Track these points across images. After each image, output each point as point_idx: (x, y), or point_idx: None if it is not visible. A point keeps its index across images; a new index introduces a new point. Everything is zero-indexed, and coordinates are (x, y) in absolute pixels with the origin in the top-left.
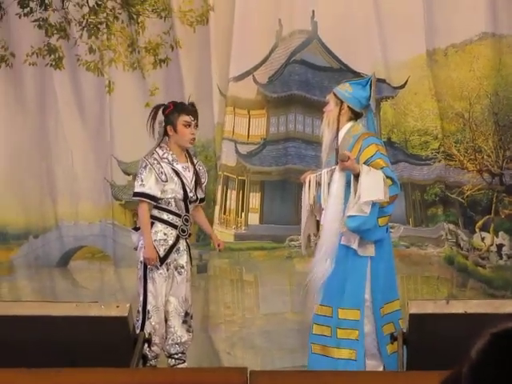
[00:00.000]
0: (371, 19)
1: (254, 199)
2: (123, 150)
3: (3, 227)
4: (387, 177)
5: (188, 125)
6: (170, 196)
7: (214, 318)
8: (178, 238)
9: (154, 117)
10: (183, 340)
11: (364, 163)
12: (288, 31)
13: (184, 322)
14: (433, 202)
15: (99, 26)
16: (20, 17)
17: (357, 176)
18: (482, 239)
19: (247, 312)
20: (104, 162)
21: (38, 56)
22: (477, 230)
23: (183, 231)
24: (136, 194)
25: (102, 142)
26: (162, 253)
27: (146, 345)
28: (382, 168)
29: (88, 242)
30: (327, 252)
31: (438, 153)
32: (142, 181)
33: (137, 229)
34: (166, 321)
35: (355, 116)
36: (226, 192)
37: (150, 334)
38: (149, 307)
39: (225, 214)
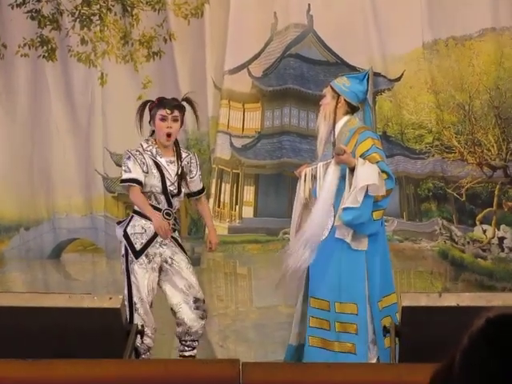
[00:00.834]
0: (367, 13)
1: (249, 192)
2: (116, 142)
3: None
4: (382, 171)
5: (163, 118)
6: (148, 190)
7: (208, 311)
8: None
9: (141, 112)
10: (194, 330)
11: (360, 157)
12: (283, 25)
13: (196, 308)
14: (426, 197)
15: (92, 17)
16: (12, 8)
17: (352, 170)
18: (484, 231)
19: (240, 305)
20: (96, 154)
21: (31, 47)
22: (477, 222)
23: None
24: (124, 181)
25: (94, 134)
26: (138, 246)
27: (139, 338)
28: (377, 162)
29: (80, 235)
30: (309, 243)
31: (431, 147)
32: (127, 168)
33: (120, 222)
34: (174, 314)
35: (351, 110)
36: (221, 185)
37: (142, 325)
38: (135, 299)
39: (219, 207)
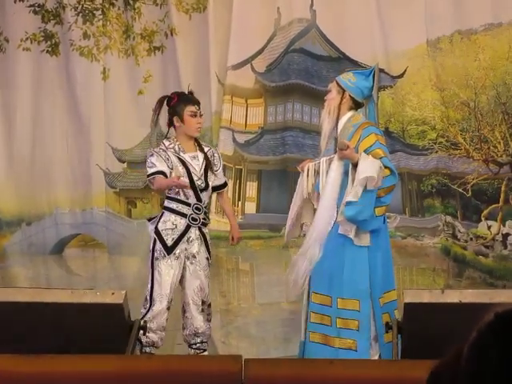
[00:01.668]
0: (371, 8)
1: (251, 188)
2: (117, 137)
3: None
4: (385, 167)
5: (194, 114)
6: None
7: (212, 314)
8: (188, 227)
9: (159, 109)
10: (201, 330)
11: (363, 152)
12: (287, 20)
13: (202, 310)
14: (429, 193)
15: (95, 11)
16: (15, 1)
17: (355, 165)
18: (489, 227)
19: (243, 301)
20: (98, 149)
21: (33, 42)
22: (482, 218)
23: (194, 219)
24: (150, 175)
25: (96, 129)
26: (170, 242)
27: (142, 332)
28: (380, 158)
29: (82, 230)
30: (318, 239)
31: (435, 143)
32: (152, 164)
33: (150, 219)
34: (184, 312)
35: (356, 106)
36: None
37: (145, 321)
38: (154, 295)
39: None
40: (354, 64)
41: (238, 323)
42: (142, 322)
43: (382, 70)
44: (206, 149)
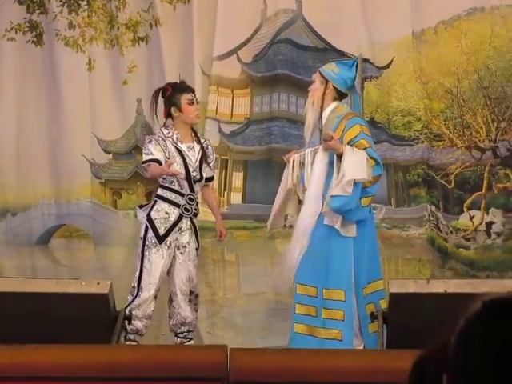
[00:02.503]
0: None
1: (237, 179)
2: (103, 128)
3: None
4: (370, 157)
5: (191, 102)
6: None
7: (199, 304)
8: (180, 217)
9: (155, 102)
10: (188, 320)
11: (348, 143)
12: (273, 10)
13: (189, 301)
14: (415, 183)
15: (80, 1)
16: None
17: (340, 156)
18: (471, 218)
19: (228, 291)
20: (84, 140)
21: (18, 32)
22: (465, 209)
23: (186, 210)
24: (144, 162)
25: (81, 119)
26: (162, 231)
27: (127, 320)
28: (365, 148)
29: (67, 221)
30: (305, 231)
31: (420, 134)
32: (149, 151)
33: (142, 206)
34: (171, 301)
35: (340, 96)
36: None
37: (130, 310)
38: (142, 283)
39: None
40: (340, 55)
41: (223, 313)
42: (127, 311)
43: (367, 61)
44: (201, 140)
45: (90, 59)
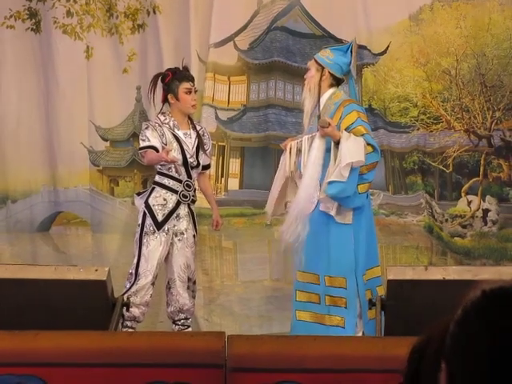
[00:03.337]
0: None
1: (234, 165)
2: (101, 115)
3: None
4: (368, 144)
5: (189, 91)
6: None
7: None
8: (178, 204)
9: (153, 87)
10: (186, 307)
11: (345, 130)
12: None
13: (187, 288)
14: (411, 170)
15: None
16: None
17: (337, 143)
18: (469, 203)
19: (226, 279)
20: (82, 127)
21: (17, 19)
22: (462, 194)
23: (184, 196)
24: (141, 149)
25: (80, 107)
26: (160, 218)
27: (125, 308)
28: (362, 135)
29: (65, 208)
30: (299, 217)
31: (416, 121)
32: (146, 137)
33: (139, 193)
34: (169, 288)
35: (336, 82)
36: None
37: (128, 297)
38: (140, 270)
39: None
40: (338, 41)
41: (220, 301)
42: (125, 297)
43: (365, 47)
44: (198, 127)
45: (88, 47)
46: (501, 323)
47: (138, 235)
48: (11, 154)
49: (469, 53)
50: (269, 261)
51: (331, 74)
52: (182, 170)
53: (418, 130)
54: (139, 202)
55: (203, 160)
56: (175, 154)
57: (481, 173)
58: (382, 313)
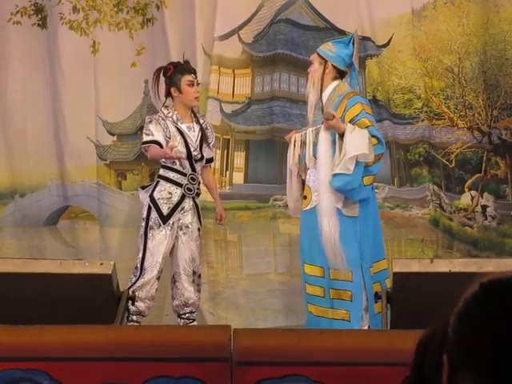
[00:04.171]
0: None
1: (239, 158)
2: (108, 110)
3: None
4: (372, 136)
5: (191, 84)
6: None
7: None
8: (183, 197)
9: (156, 81)
10: (191, 301)
11: (349, 122)
12: None
13: (193, 281)
14: (416, 162)
15: None
16: None
17: (342, 135)
18: (472, 198)
19: (231, 272)
20: (89, 122)
21: (23, 15)
22: (466, 189)
23: (189, 190)
24: (145, 143)
25: (86, 102)
26: (165, 211)
27: (130, 302)
28: (367, 127)
29: (73, 202)
30: (329, 212)
31: (421, 112)
32: (149, 131)
33: (144, 187)
34: (174, 282)
35: (340, 75)
36: None
37: (133, 291)
38: (145, 264)
39: None
40: (341, 34)
41: (226, 294)
42: (130, 292)
43: (369, 39)
44: (201, 121)
45: (94, 42)
46: (499, 315)
47: (142, 229)
48: (19, 149)
49: (471, 50)
50: (274, 254)
51: (334, 67)
52: (186, 163)
53: (423, 121)
54: (144, 196)
55: (206, 153)
56: (179, 148)
57: (483, 169)
58: (388, 306)
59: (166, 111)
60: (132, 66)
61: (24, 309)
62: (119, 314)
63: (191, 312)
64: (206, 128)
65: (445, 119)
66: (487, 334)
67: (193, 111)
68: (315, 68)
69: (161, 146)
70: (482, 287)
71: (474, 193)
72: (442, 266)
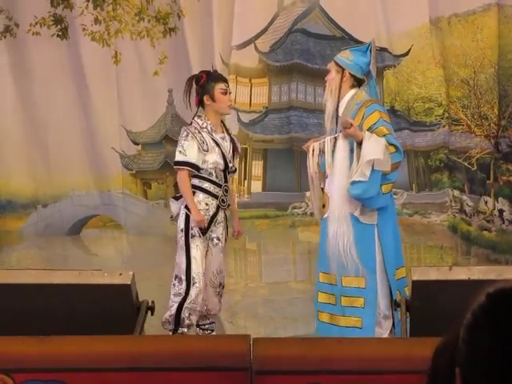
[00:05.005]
0: None
1: (257, 167)
2: (132, 119)
3: (12, 196)
4: (390, 144)
5: (225, 92)
6: (211, 166)
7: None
8: (218, 209)
9: (188, 90)
10: (213, 312)
11: (367, 130)
12: (290, 0)
13: (218, 293)
14: (437, 168)
15: None
16: None
17: (360, 143)
18: (486, 203)
19: (250, 281)
20: (113, 132)
21: (42, 26)
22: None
23: (223, 201)
24: (177, 163)
25: (110, 112)
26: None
27: (187, 314)
28: (384, 135)
29: (99, 211)
30: (340, 219)
31: (442, 119)
32: (183, 149)
33: (177, 198)
34: None
35: (358, 83)
36: None
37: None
38: (193, 274)
39: None
40: (358, 43)
41: (245, 303)
42: (150, 303)
43: (385, 50)
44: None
45: (116, 52)
46: (506, 325)
47: (183, 239)
48: (41, 159)
49: (486, 63)
50: (293, 262)
51: (352, 75)
52: (222, 174)
53: (444, 127)
54: (176, 206)
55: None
56: (218, 159)
57: (491, 176)
58: (407, 313)
59: (200, 122)
60: (154, 74)
61: (43, 320)
62: (138, 324)
63: (211, 323)
64: (235, 139)
65: (463, 125)
66: (497, 345)
67: (222, 121)
68: (332, 76)
69: (193, 167)
70: (489, 298)
71: (486, 198)
72: (461, 273)
